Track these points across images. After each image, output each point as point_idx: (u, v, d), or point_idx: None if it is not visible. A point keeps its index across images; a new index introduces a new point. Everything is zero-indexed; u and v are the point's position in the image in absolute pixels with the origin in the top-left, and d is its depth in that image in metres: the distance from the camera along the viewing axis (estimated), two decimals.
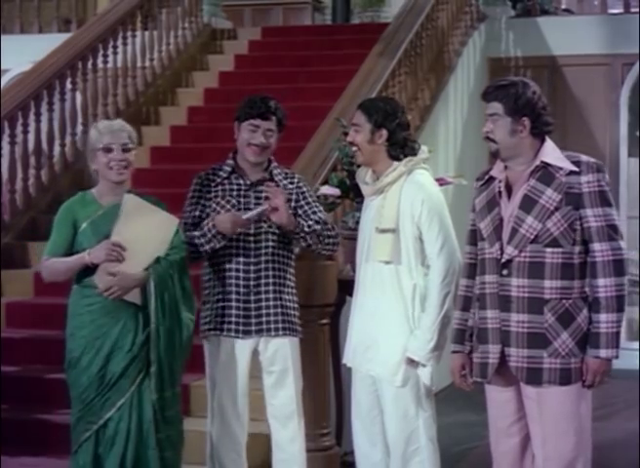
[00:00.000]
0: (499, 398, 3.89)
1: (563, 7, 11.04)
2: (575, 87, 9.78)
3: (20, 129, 7.14)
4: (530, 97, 3.80)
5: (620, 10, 10.14)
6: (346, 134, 5.17)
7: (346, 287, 4.83)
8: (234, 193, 4.51)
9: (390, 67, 7.30)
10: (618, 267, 3.70)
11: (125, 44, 8.42)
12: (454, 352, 4.00)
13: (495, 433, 3.95)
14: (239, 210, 4.46)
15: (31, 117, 7.24)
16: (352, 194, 5.34)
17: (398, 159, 4.32)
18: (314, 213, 4.57)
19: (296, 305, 4.57)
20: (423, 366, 4.23)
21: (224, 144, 7.90)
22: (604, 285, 3.69)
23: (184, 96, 9.00)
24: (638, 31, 8.94)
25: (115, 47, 8.26)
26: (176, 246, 4.28)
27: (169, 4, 9.25)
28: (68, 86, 7.64)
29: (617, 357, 3.71)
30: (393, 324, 4.25)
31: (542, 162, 3.78)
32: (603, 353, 3.70)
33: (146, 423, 4.17)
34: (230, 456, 4.52)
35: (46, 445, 5.36)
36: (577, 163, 3.76)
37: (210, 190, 4.53)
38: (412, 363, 4.23)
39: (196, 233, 4.42)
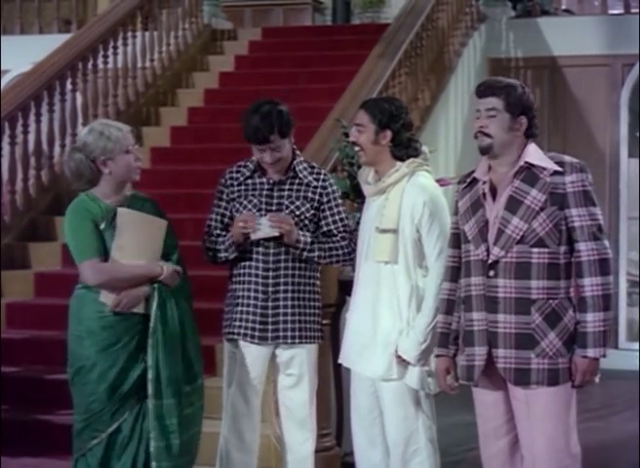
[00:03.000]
0: (486, 400, 3.88)
1: (563, 7, 11.04)
2: (575, 87, 9.79)
3: (20, 129, 7.14)
4: (528, 98, 3.84)
5: (621, 10, 10.15)
6: (347, 134, 5.17)
7: (346, 287, 4.82)
8: (256, 192, 4.50)
9: (391, 68, 7.31)
10: (603, 266, 3.71)
11: (125, 45, 8.42)
12: (438, 356, 4.00)
13: (483, 436, 3.94)
14: (260, 210, 4.45)
15: (31, 118, 7.24)
16: (353, 195, 5.33)
17: (402, 159, 4.30)
18: (335, 222, 4.54)
19: (316, 311, 4.55)
20: (413, 366, 4.22)
21: (225, 145, 8.00)
22: (590, 284, 3.70)
23: (185, 96, 9.00)
24: (638, 32, 8.95)
25: (115, 47, 8.26)
26: (169, 245, 4.25)
27: (169, 5, 9.26)
28: (69, 86, 7.64)
29: (604, 356, 3.72)
30: (387, 323, 4.24)
31: (526, 163, 3.78)
32: (591, 352, 3.70)
33: (146, 431, 4.15)
34: (239, 456, 4.51)
35: (46, 445, 5.36)
36: (560, 163, 3.77)
37: (233, 190, 4.53)
38: (401, 361, 4.22)
39: (219, 239, 4.47)
